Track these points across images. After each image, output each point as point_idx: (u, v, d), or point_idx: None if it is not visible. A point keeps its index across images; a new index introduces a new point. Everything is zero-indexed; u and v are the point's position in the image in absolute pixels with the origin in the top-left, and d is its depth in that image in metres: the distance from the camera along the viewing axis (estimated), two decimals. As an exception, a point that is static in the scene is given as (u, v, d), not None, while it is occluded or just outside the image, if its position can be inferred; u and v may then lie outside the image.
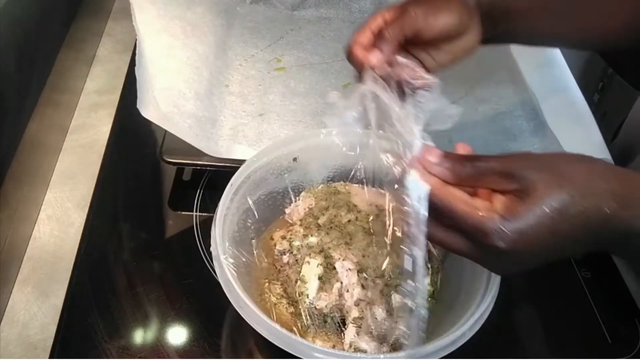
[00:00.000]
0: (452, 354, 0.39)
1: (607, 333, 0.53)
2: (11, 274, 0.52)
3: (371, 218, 0.50)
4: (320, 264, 0.46)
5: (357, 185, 0.54)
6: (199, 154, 0.58)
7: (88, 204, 0.59)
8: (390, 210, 0.51)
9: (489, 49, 0.81)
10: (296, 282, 0.46)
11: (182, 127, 0.58)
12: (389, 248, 0.47)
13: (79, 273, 0.52)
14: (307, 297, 0.45)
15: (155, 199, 0.61)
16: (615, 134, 0.78)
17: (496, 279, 0.43)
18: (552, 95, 0.72)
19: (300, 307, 0.46)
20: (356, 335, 0.43)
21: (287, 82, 0.73)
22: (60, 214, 0.58)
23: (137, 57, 0.60)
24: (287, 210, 0.53)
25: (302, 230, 0.49)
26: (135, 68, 0.58)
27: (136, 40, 0.62)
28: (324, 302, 0.45)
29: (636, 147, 0.69)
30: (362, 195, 0.53)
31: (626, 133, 0.75)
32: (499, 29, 0.53)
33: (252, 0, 0.85)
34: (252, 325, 0.40)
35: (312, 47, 0.80)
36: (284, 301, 0.48)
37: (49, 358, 0.47)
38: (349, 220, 0.49)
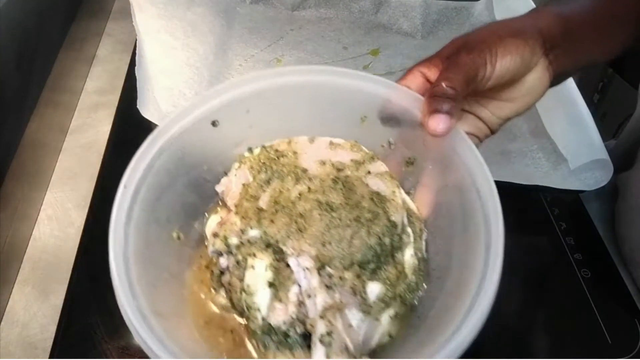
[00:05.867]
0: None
1: (607, 333, 0.53)
2: (11, 274, 0.52)
3: (328, 184, 0.38)
4: (269, 266, 0.36)
5: (304, 138, 0.41)
6: (199, 154, 0.57)
7: (88, 204, 0.59)
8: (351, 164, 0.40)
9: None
10: (241, 292, 0.36)
11: (182, 127, 0.58)
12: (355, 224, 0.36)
13: (79, 273, 0.52)
14: (259, 312, 0.35)
15: (155, 199, 0.61)
16: (615, 134, 0.78)
17: (495, 273, 0.39)
18: (551, 96, 0.72)
19: (251, 324, 0.36)
20: (326, 357, 0.33)
21: (287, 82, 0.73)
22: (60, 214, 0.58)
23: (137, 57, 0.60)
24: (218, 189, 0.42)
25: (238, 221, 0.37)
26: (135, 68, 0.58)
27: (136, 40, 0.62)
28: (280, 316, 0.35)
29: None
30: (312, 152, 0.40)
31: (630, 132, 0.75)
32: (564, 59, 0.44)
33: (252, 0, 0.85)
34: None
35: (312, 47, 0.80)
36: (234, 313, 0.38)
37: (49, 358, 0.47)
38: (299, 195, 0.37)
